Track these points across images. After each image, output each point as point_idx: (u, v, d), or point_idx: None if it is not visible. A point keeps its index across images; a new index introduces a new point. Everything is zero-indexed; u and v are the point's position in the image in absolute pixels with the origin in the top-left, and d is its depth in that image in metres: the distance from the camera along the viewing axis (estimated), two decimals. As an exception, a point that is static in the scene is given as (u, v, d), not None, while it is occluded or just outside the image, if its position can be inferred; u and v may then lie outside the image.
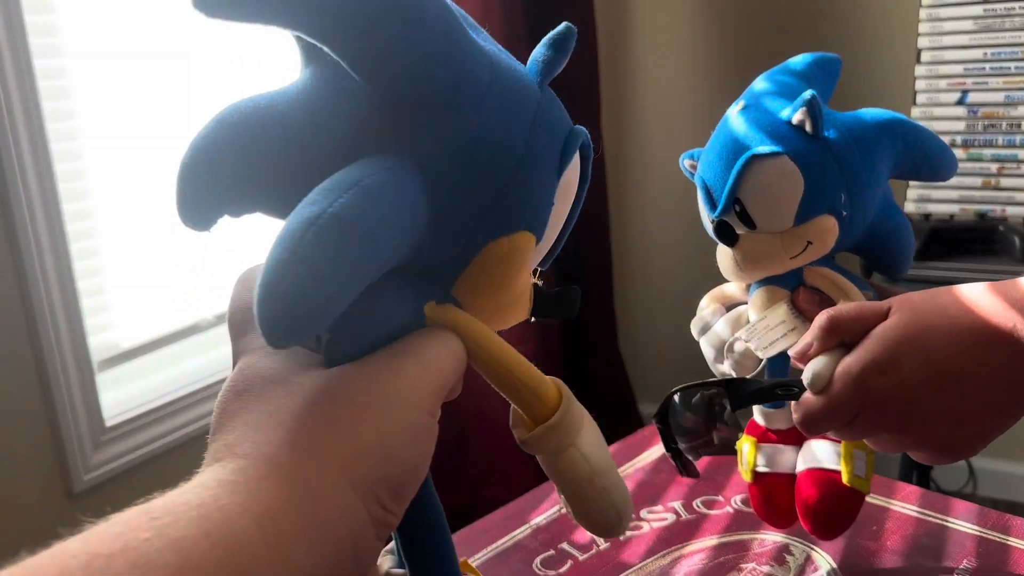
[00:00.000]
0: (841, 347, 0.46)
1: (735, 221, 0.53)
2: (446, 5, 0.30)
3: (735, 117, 0.54)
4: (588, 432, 0.35)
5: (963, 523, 0.61)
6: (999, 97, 1.34)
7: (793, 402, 0.46)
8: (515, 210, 0.32)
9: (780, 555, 0.59)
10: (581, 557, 0.61)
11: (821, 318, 0.46)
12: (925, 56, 1.38)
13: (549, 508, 0.67)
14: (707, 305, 0.60)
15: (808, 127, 0.51)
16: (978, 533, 0.60)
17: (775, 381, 0.49)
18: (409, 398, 0.30)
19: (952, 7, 1.35)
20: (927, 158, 0.55)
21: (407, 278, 0.32)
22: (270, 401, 0.29)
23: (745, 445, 0.58)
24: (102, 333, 1.23)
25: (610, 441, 0.75)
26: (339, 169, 0.29)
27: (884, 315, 0.45)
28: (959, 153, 1.38)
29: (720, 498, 0.67)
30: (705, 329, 0.59)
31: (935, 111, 1.39)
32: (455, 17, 0.30)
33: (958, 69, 1.36)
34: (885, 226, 0.56)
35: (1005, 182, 1.35)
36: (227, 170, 0.31)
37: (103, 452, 1.20)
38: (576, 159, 0.35)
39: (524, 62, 0.35)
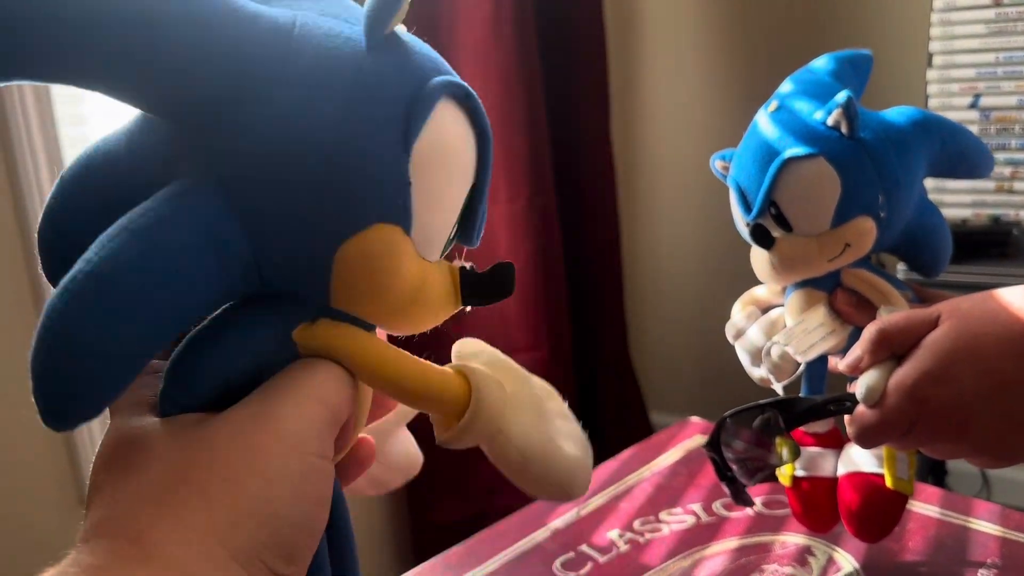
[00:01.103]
0: (892, 358, 0.45)
1: (771, 224, 0.52)
2: None
3: (768, 118, 0.54)
4: (517, 416, 0.32)
5: (985, 524, 0.61)
6: (1012, 101, 1.34)
7: (847, 416, 0.46)
8: (351, 204, 0.27)
9: (802, 556, 0.59)
10: (601, 559, 0.61)
11: (871, 330, 0.45)
12: (937, 60, 1.38)
13: (567, 511, 0.67)
14: (740, 310, 0.59)
15: (844, 128, 0.50)
16: (1001, 534, 0.60)
17: (828, 397, 0.48)
18: (289, 444, 0.27)
19: (964, 11, 1.35)
20: (964, 156, 0.55)
21: (266, 306, 0.29)
22: (137, 471, 0.26)
23: (783, 450, 0.58)
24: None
25: (621, 448, 0.75)
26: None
27: (933, 324, 0.44)
28: (972, 157, 1.37)
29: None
30: (739, 334, 0.58)
31: (948, 115, 1.38)
32: None
33: (970, 73, 1.36)
34: (922, 226, 0.55)
35: (1018, 186, 1.35)
36: (79, 233, 0.27)
37: (117, 459, 1.20)
38: (453, 116, 0.29)
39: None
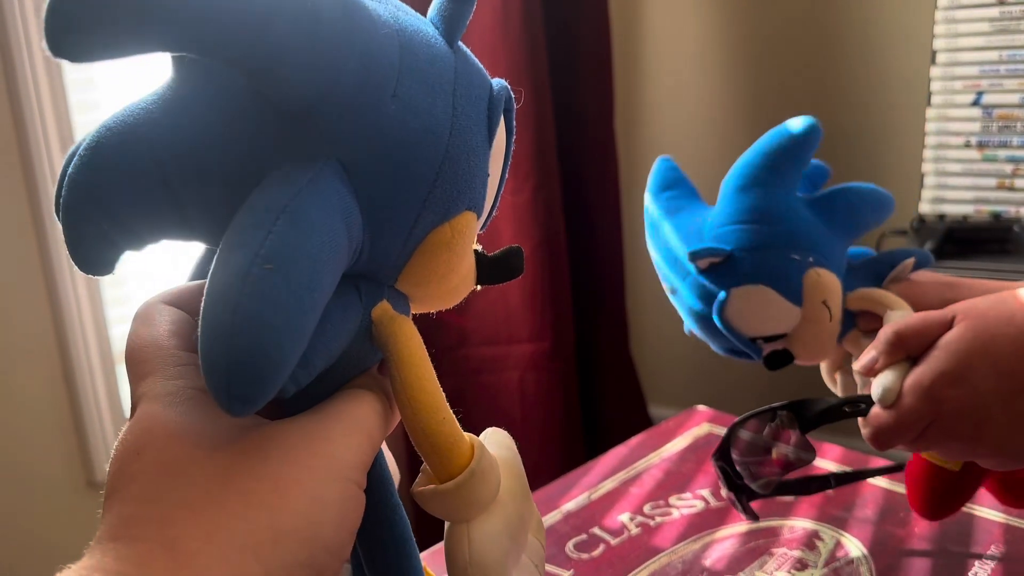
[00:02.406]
0: (907, 360, 0.45)
1: (772, 346, 0.55)
2: None
3: (679, 299, 0.57)
4: (489, 521, 0.31)
5: (990, 510, 0.62)
6: (1014, 98, 1.35)
7: (861, 418, 0.46)
8: (454, 192, 0.29)
9: (810, 540, 0.60)
10: (613, 541, 0.62)
11: (886, 331, 0.46)
12: (941, 57, 1.39)
13: (579, 494, 0.68)
14: (828, 378, 0.61)
15: (716, 260, 0.53)
16: (1004, 520, 0.61)
17: (843, 399, 0.49)
18: (338, 470, 0.26)
19: (968, 9, 1.36)
20: (799, 154, 0.54)
21: (347, 284, 0.29)
22: (175, 469, 0.25)
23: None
24: (124, 324, 1.24)
25: (620, 440, 0.76)
26: (247, 178, 0.26)
27: (949, 325, 0.44)
28: (974, 154, 1.38)
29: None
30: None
31: (950, 112, 1.40)
32: None
33: (973, 71, 1.37)
34: (841, 212, 0.56)
35: (1020, 183, 1.36)
36: (115, 203, 0.27)
37: (124, 443, 1.21)
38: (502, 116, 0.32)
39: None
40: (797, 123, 0.54)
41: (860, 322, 0.56)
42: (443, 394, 0.31)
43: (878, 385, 0.45)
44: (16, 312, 1.09)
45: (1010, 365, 0.42)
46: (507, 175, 0.34)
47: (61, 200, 0.28)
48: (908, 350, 0.45)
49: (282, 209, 0.25)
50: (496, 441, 0.35)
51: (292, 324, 0.24)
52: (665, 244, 0.58)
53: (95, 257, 0.29)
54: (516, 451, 0.36)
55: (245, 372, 0.23)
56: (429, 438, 0.30)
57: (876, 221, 0.58)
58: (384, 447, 0.37)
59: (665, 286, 0.58)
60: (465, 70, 0.30)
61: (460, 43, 0.31)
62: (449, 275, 0.31)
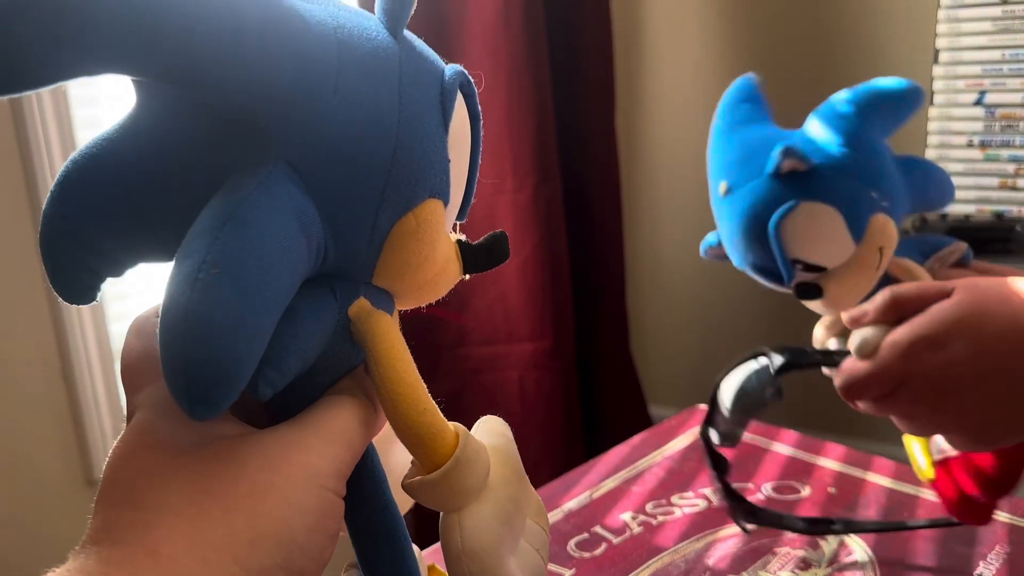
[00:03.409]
0: (896, 322, 0.46)
1: (807, 277, 0.53)
2: None
3: (731, 200, 0.55)
4: (480, 507, 0.32)
5: (999, 512, 0.62)
6: (1017, 98, 1.34)
7: (834, 369, 0.47)
8: (412, 181, 0.29)
9: (814, 540, 0.60)
10: (615, 540, 0.61)
11: (884, 293, 0.46)
12: (943, 56, 1.39)
13: (580, 493, 0.68)
14: (822, 337, 0.59)
15: (800, 167, 0.51)
16: (1009, 520, 0.61)
17: (820, 350, 0.50)
18: (314, 478, 0.27)
19: (970, 8, 1.35)
20: (900, 105, 0.55)
21: (322, 285, 0.30)
22: (158, 475, 0.26)
23: (914, 444, 0.57)
24: (124, 321, 1.24)
25: (621, 440, 0.75)
26: (207, 191, 0.26)
27: (947, 295, 0.44)
28: (976, 153, 1.38)
29: (751, 485, 0.68)
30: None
31: (953, 111, 1.39)
32: None
33: (976, 70, 1.37)
34: (917, 177, 0.56)
35: (1022, 182, 1.35)
36: (89, 232, 0.28)
37: (123, 440, 1.20)
38: (459, 100, 0.32)
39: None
40: (907, 82, 0.54)
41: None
42: (424, 386, 0.31)
43: (858, 335, 0.46)
44: (15, 312, 1.09)
45: (992, 343, 0.42)
46: (479, 160, 0.34)
47: (40, 237, 0.29)
48: (901, 313, 0.45)
49: (229, 215, 0.25)
50: (489, 429, 0.35)
51: (244, 324, 0.24)
52: (740, 142, 0.56)
53: (76, 286, 0.30)
54: (510, 437, 0.36)
55: (201, 375, 0.24)
56: (412, 429, 0.30)
57: (938, 201, 0.58)
58: (397, 443, 0.37)
59: (723, 184, 0.55)
60: (411, 59, 0.30)
61: (406, 33, 0.31)
62: (424, 264, 0.31)
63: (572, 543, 0.61)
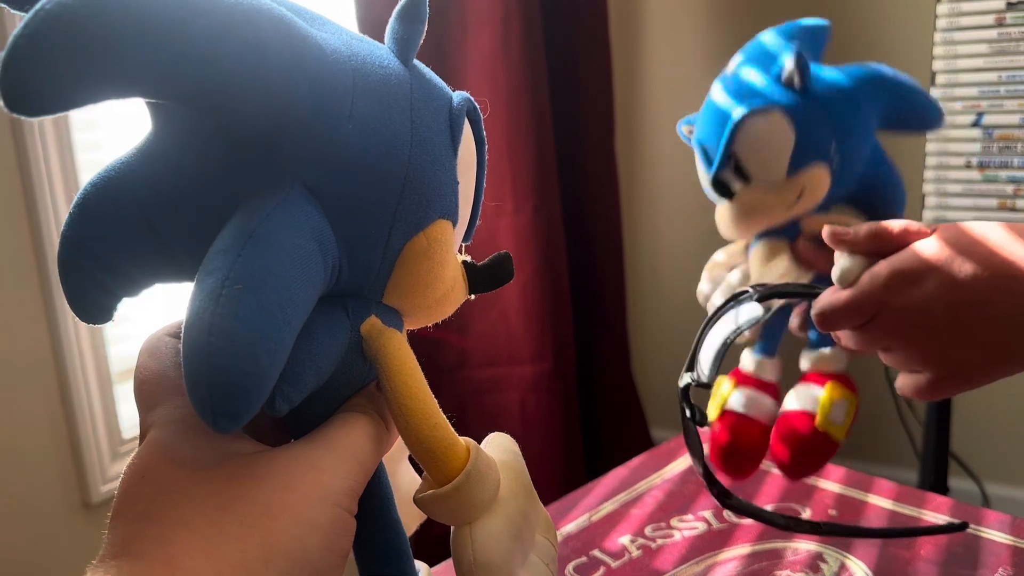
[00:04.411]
0: (874, 257, 0.47)
1: (731, 177, 0.55)
2: (282, 18, 0.26)
3: (727, 79, 0.56)
4: (492, 520, 0.32)
5: (996, 533, 0.61)
6: (1014, 119, 1.35)
7: (813, 301, 0.49)
8: (423, 202, 0.30)
9: (814, 563, 0.59)
10: (614, 564, 0.61)
11: (869, 224, 0.47)
12: (940, 79, 1.39)
13: (578, 516, 0.67)
14: (706, 276, 0.62)
15: (796, 81, 0.53)
16: (1012, 543, 0.60)
17: (799, 284, 0.52)
18: (327, 496, 0.28)
19: (967, 31, 1.36)
20: (914, 110, 0.57)
21: (335, 303, 0.30)
22: (175, 491, 0.26)
23: (725, 383, 0.59)
24: (122, 344, 1.24)
25: (622, 462, 0.75)
26: (224, 211, 0.27)
27: (927, 235, 0.46)
28: (974, 174, 1.38)
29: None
30: (707, 299, 0.60)
31: (950, 133, 1.40)
32: (296, 26, 0.27)
33: (973, 92, 1.37)
34: (876, 176, 0.58)
35: (1021, 203, 1.35)
36: (107, 252, 0.29)
37: (120, 463, 1.20)
38: (467, 125, 0.33)
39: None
40: (935, 101, 0.58)
41: (800, 243, 0.57)
42: (435, 401, 0.31)
43: (839, 265, 0.47)
44: (14, 335, 1.09)
45: (967, 282, 0.44)
46: (483, 183, 0.35)
47: (58, 258, 0.30)
48: (881, 246, 0.47)
49: (250, 234, 0.26)
50: (498, 444, 0.36)
51: (266, 339, 0.25)
52: (777, 42, 0.58)
53: (94, 306, 0.30)
54: (518, 453, 0.36)
55: (225, 388, 0.24)
56: (423, 443, 0.31)
57: (880, 208, 0.59)
58: (407, 465, 0.38)
59: (736, 59, 0.57)
60: (421, 85, 0.31)
61: (416, 61, 0.32)
62: (434, 283, 0.32)
63: (570, 567, 0.61)
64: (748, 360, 0.60)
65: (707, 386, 0.55)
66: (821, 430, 0.55)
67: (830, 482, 0.71)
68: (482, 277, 0.35)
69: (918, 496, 0.66)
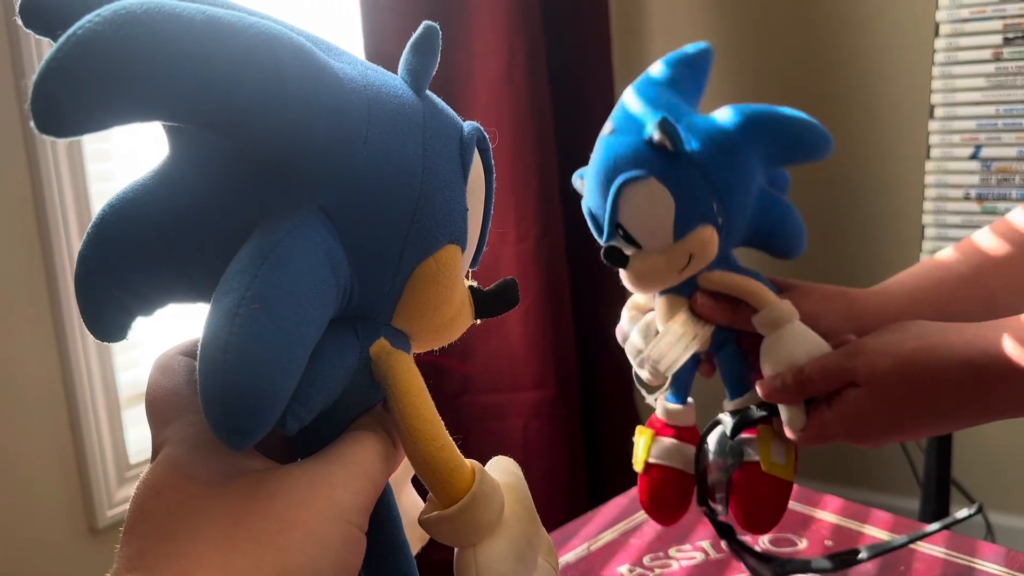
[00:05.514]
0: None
1: (623, 244, 0.55)
2: (302, 47, 0.27)
3: (605, 142, 0.56)
4: (495, 543, 0.33)
5: (991, 565, 0.62)
6: (1012, 152, 1.37)
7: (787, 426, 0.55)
8: (433, 227, 0.31)
9: (810, 594, 0.60)
10: (612, 593, 0.62)
11: (789, 376, 0.53)
12: (938, 112, 1.41)
13: (577, 545, 0.68)
14: (626, 314, 0.63)
15: (668, 146, 0.52)
16: (1007, 575, 0.61)
17: (757, 410, 0.56)
18: (339, 513, 0.28)
19: (965, 65, 1.38)
20: (798, 143, 0.57)
21: (345, 325, 0.31)
22: (189, 507, 0.27)
23: (641, 438, 0.61)
24: (131, 370, 1.25)
25: (625, 488, 0.76)
26: (240, 233, 0.28)
27: (851, 379, 0.51)
28: (973, 206, 1.40)
29: (748, 538, 0.68)
30: (626, 337, 0.62)
31: (949, 165, 1.41)
32: (314, 56, 0.28)
33: (971, 124, 1.39)
34: (768, 219, 0.58)
35: (1019, 235, 1.37)
36: (124, 271, 0.30)
37: (127, 489, 1.21)
38: (476, 154, 0.34)
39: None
40: (819, 127, 0.57)
41: (697, 299, 0.57)
42: (442, 422, 0.32)
43: (784, 416, 0.54)
44: (24, 358, 1.10)
45: (898, 410, 0.51)
46: (491, 211, 0.36)
47: (75, 275, 0.30)
48: (809, 394, 0.53)
49: (267, 255, 0.26)
50: (501, 467, 0.37)
51: (281, 358, 0.25)
52: (651, 97, 0.58)
53: (108, 324, 0.31)
54: (522, 476, 0.37)
55: (240, 405, 0.25)
56: (430, 464, 0.31)
57: (782, 248, 0.60)
58: (411, 487, 0.38)
59: (609, 124, 0.58)
60: (433, 114, 0.32)
61: (428, 92, 0.33)
62: (442, 307, 0.33)
63: (570, 596, 0.62)
64: (660, 410, 0.62)
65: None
66: (768, 474, 0.56)
67: (827, 512, 0.71)
68: (488, 302, 0.36)
69: (915, 527, 0.67)
